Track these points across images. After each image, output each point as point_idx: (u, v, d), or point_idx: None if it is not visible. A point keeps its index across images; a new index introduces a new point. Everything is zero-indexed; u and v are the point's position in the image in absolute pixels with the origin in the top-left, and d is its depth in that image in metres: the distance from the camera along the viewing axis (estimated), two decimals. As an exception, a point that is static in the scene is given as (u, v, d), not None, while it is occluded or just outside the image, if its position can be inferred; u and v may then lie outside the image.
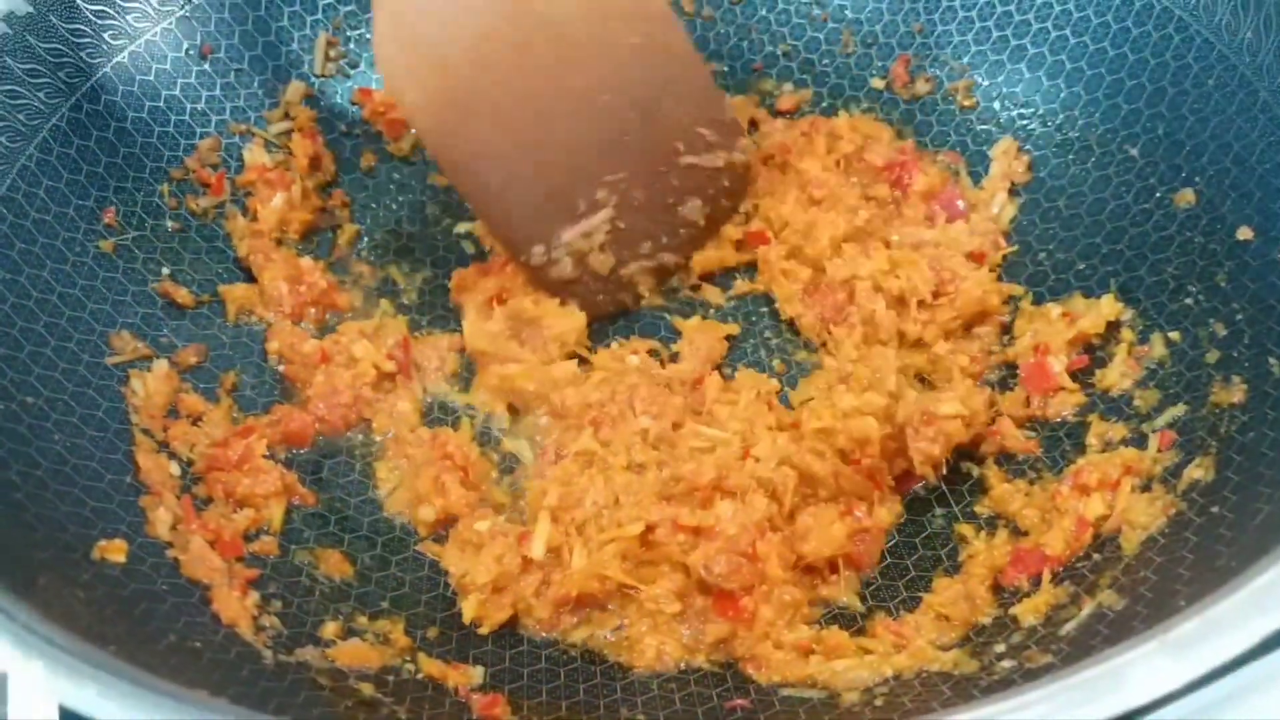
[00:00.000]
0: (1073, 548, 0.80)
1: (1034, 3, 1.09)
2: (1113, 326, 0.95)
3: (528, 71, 0.95)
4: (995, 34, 1.11)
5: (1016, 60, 1.10)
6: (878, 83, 1.16)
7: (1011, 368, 0.98)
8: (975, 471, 0.93)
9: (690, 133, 1.03)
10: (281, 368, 1.02)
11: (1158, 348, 0.92)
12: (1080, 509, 0.82)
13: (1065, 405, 0.93)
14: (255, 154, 1.12)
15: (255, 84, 1.13)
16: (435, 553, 0.90)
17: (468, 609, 0.84)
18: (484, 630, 0.84)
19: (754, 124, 1.17)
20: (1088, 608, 0.74)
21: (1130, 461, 0.85)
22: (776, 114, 1.18)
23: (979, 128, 1.12)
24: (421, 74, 0.93)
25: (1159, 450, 0.85)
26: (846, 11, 1.17)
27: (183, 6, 1.08)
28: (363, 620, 0.85)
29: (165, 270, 1.02)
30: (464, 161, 0.99)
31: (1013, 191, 1.08)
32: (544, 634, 0.85)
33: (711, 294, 1.08)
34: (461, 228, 1.14)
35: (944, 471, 0.91)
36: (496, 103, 0.96)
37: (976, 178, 1.10)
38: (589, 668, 0.83)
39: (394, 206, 1.16)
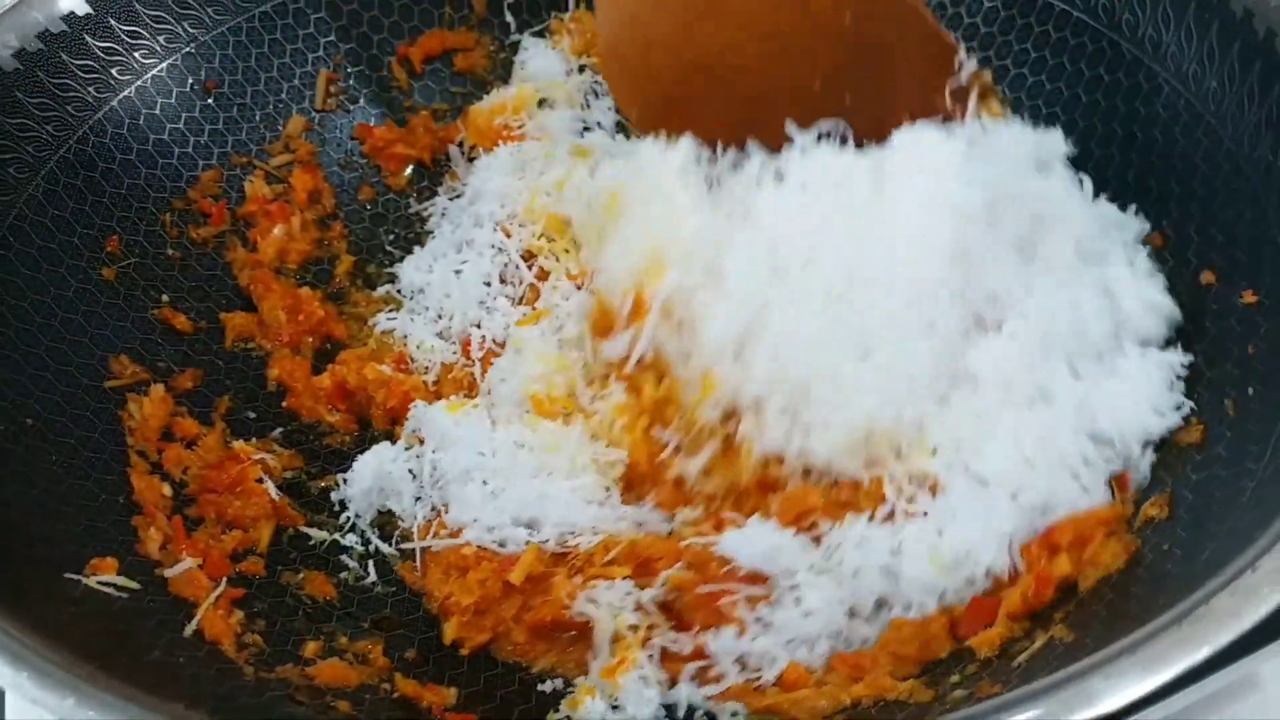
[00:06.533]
0: (1031, 604, 0.80)
1: (1011, 49, 1.12)
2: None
3: (733, 73, 1.00)
4: (975, 79, 1.14)
5: (995, 104, 1.13)
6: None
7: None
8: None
9: (917, 103, 0.98)
10: (285, 402, 1.05)
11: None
12: (1046, 567, 0.81)
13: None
14: (256, 186, 1.15)
15: (257, 118, 1.17)
16: (416, 578, 0.92)
17: (449, 630, 0.87)
18: (464, 651, 0.86)
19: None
20: (1040, 640, 0.76)
21: (1105, 517, 0.83)
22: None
23: (958, 169, 1.15)
24: (638, 94, 1.05)
25: (1120, 491, 0.86)
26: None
27: (188, 44, 1.12)
28: (344, 640, 0.87)
29: (165, 297, 1.05)
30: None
31: (989, 232, 1.10)
32: (517, 659, 0.87)
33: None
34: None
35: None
36: (707, 110, 1.01)
37: (955, 218, 1.13)
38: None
39: (391, 238, 1.19)
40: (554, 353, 1.00)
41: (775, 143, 0.97)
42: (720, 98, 1.01)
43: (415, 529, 0.93)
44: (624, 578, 0.85)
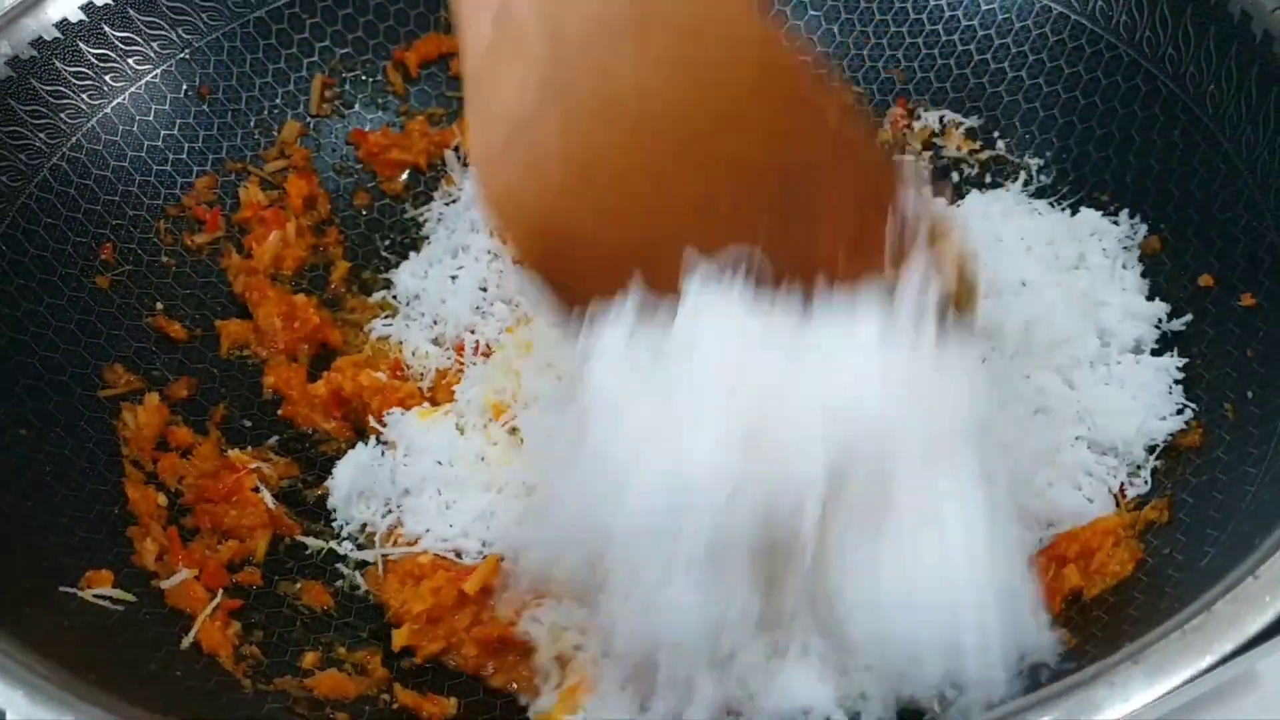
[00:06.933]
0: None
1: (1009, 52, 1.12)
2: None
3: (624, 185, 0.79)
4: (973, 82, 1.14)
5: (992, 108, 1.13)
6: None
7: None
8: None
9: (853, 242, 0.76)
10: (281, 410, 1.04)
11: (1124, 392, 0.94)
12: (1052, 581, 0.80)
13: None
14: (251, 192, 1.15)
15: (252, 123, 1.16)
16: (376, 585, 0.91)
17: (399, 636, 0.85)
18: (418, 660, 0.85)
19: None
20: (1041, 646, 0.76)
21: (1110, 526, 0.83)
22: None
23: (956, 173, 1.15)
24: (518, 219, 0.81)
25: (1121, 496, 0.86)
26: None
27: (183, 49, 1.11)
28: (342, 651, 0.87)
29: (159, 304, 1.04)
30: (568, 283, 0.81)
31: (988, 236, 1.10)
32: (471, 672, 0.85)
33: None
34: (450, 265, 1.17)
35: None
36: (594, 236, 0.80)
37: (952, 221, 1.12)
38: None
39: (387, 244, 1.19)
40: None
41: (672, 281, 0.74)
42: (608, 219, 0.79)
43: (378, 536, 0.93)
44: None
